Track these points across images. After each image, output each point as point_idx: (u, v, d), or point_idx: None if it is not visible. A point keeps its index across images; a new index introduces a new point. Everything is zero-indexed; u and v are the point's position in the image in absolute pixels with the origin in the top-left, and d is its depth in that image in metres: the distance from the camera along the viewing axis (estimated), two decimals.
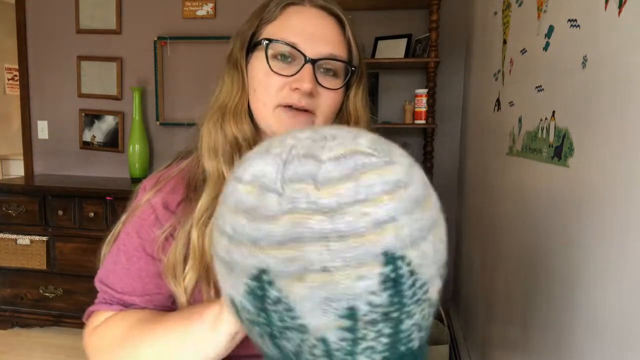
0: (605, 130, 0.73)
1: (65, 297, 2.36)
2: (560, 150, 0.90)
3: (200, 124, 0.70)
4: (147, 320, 0.61)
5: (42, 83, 2.80)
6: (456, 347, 2.13)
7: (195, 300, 0.63)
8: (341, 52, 0.66)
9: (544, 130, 1.01)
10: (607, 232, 0.72)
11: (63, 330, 2.41)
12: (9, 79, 4.69)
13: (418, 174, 0.38)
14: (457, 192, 2.49)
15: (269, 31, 0.65)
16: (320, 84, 0.64)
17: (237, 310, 0.38)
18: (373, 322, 0.33)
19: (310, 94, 0.63)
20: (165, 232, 0.64)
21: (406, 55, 2.32)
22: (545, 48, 1.04)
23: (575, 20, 0.86)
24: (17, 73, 3.49)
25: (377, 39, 2.40)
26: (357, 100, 0.71)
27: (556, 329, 0.92)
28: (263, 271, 0.33)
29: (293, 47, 0.62)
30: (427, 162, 2.33)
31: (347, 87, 0.70)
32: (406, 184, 0.35)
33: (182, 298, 0.63)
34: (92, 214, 2.29)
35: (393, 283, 0.33)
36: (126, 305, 0.65)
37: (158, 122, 2.68)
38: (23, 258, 2.36)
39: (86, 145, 2.80)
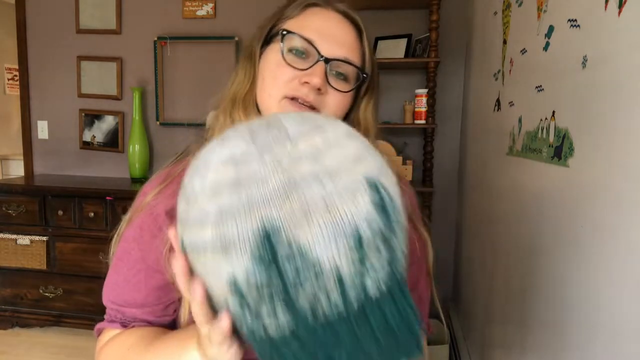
0: (605, 130, 0.73)
1: (65, 297, 2.36)
2: (560, 150, 0.90)
3: (213, 114, 0.70)
4: (143, 346, 0.61)
5: (42, 83, 2.80)
6: (456, 347, 2.13)
7: None
8: (355, 58, 0.66)
9: (544, 130, 1.01)
10: (606, 232, 0.72)
11: (63, 330, 2.41)
12: (9, 79, 4.69)
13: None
14: (457, 192, 2.50)
15: (288, 26, 0.66)
16: (330, 84, 0.64)
17: (241, 294, 0.37)
18: (376, 248, 0.36)
19: (319, 91, 0.63)
20: (168, 244, 0.63)
21: (406, 55, 2.32)
22: (545, 48, 1.04)
23: (575, 20, 0.86)
24: (17, 73, 3.49)
25: (377, 39, 2.40)
26: (368, 111, 0.71)
27: (555, 328, 0.92)
28: (269, 229, 0.35)
29: (309, 42, 0.63)
30: (427, 162, 2.33)
31: (357, 94, 0.70)
32: (355, 135, 0.42)
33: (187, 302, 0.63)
34: (92, 214, 2.29)
35: (382, 207, 0.37)
36: (127, 319, 0.66)
37: (158, 122, 2.68)
38: (23, 258, 2.36)
39: (86, 145, 2.80)
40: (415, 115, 2.28)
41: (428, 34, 2.23)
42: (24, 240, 2.35)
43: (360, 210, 0.36)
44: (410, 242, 0.71)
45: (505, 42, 1.46)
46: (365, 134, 0.70)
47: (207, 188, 0.37)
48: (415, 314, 0.38)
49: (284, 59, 0.63)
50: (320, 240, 0.34)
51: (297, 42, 0.64)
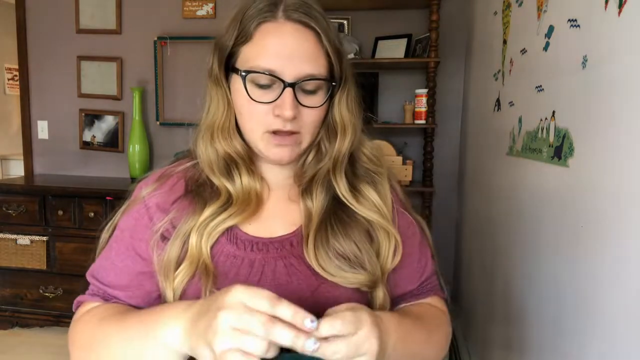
0: (605, 130, 0.73)
1: (65, 297, 2.36)
2: (560, 150, 0.90)
3: (193, 142, 0.71)
4: (115, 320, 0.62)
5: (42, 83, 2.80)
6: (456, 347, 2.13)
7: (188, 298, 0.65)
8: (320, 69, 0.64)
9: (544, 130, 1.01)
10: (606, 232, 0.72)
11: (63, 330, 2.40)
12: (9, 79, 4.69)
13: None
14: (457, 192, 2.50)
15: (245, 55, 0.64)
16: (301, 104, 0.64)
17: None
18: None
19: (293, 118, 0.63)
20: (160, 231, 0.67)
21: (406, 55, 2.32)
22: (545, 48, 1.04)
23: (575, 20, 0.86)
24: (17, 73, 3.49)
25: (377, 39, 2.40)
26: (342, 107, 0.69)
27: (554, 328, 0.92)
28: None
29: (271, 74, 0.62)
30: (427, 162, 2.33)
31: (330, 97, 0.68)
32: None
33: (170, 299, 0.65)
34: (92, 214, 2.29)
35: None
36: (108, 298, 0.69)
37: (158, 122, 2.68)
38: (23, 258, 2.36)
39: (86, 145, 2.79)
40: (415, 115, 2.28)
41: (428, 34, 2.23)
42: (24, 240, 2.35)
43: None
44: (410, 226, 0.72)
45: (505, 42, 1.46)
46: (343, 130, 0.69)
47: None
48: None
49: (251, 97, 0.63)
50: None
51: (258, 78, 0.63)
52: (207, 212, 0.65)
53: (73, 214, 2.32)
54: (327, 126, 0.70)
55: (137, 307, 0.68)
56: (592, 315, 0.76)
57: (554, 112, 0.96)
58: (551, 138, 0.96)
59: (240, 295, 0.48)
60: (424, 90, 2.24)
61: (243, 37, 0.64)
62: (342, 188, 0.69)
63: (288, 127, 0.63)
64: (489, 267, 1.61)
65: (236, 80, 0.66)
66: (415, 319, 0.67)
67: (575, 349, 0.82)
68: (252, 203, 0.68)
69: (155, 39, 2.61)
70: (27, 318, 2.42)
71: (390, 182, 0.74)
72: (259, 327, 0.45)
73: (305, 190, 0.70)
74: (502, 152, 1.43)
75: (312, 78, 0.63)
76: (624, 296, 0.66)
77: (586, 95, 0.80)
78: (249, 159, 0.70)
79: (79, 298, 0.72)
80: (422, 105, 2.25)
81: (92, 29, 2.70)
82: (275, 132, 0.64)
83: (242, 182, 0.68)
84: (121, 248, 0.70)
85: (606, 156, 0.72)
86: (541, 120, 1.04)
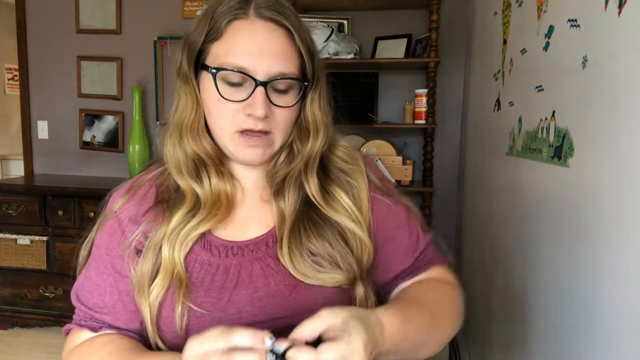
0: (606, 131, 0.73)
1: (65, 297, 2.36)
2: (560, 150, 0.90)
3: (161, 141, 0.70)
4: None
5: (42, 83, 2.80)
6: (456, 347, 2.13)
7: (163, 319, 0.64)
8: (292, 68, 0.63)
9: (544, 130, 1.01)
10: (606, 232, 0.72)
11: None
12: (9, 79, 4.69)
13: None
14: (457, 192, 2.49)
15: (215, 52, 0.63)
16: (273, 104, 0.63)
17: None
18: None
19: (265, 117, 0.62)
20: (132, 244, 0.65)
21: (406, 55, 2.31)
22: (545, 48, 1.04)
23: (575, 20, 0.86)
24: (17, 73, 3.49)
25: (377, 39, 2.40)
26: (314, 107, 0.69)
27: (554, 328, 0.92)
28: None
29: (242, 72, 0.61)
30: (427, 162, 2.33)
31: (302, 97, 0.68)
32: None
33: (147, 316, 0.63)
34: (92, 214, 2.29)
35: None
36: (96, 323, 0.66)
37: (158, 122, 2.68)
38: (23, 258, 2.36)
39: (86, 145, 2.79)
40: (415, 115, 2.28)
41: (428, 34, 2.23)
42: (24, 240, 2.35)
43: None
44: (391, 209, 0.71)
45: (505, 42, 1.46)
46: (316, 130, 0.68)
47: None
48: None
49: (222, 95, 0.62)
50: None
51: (229, 76, 0.62)
52: (175, 219, 0.64)
53: (73, 214, 2.32)
54: (299, 126, 0.69)
55: (125, 330, 0.67)
56: (592, 315, 0.76)
57: (554, 112, 0.96)
58: (551, 138, 0.96)
59: (192, 347, 0.48)
60: (424, 90, 2.24)
61: (213, 34, 0.63)
62: (312, 188, 0.68)
63: (259, 126, 0.62)
64: (488, 266, 1.61)
65: (206, 78, 0.64)
66: (418, 305, 0.66)
67: (576, 349, 0.82)
68: (222, 207, 0.66)
69: (155, 39, 2.61)
70: (27, 318, 2.42)
71: (367, 174, 0.72)
72: None
73: (277, 191, 0.69)
74: (502, 152, 1.43)
75: (284, 77, 0.62)
76: (624, 296, 0.66)
77: (586, 95, 0.80)
78: (219, 160, 0.68)
79: (67, 326, 0.70)
80: (422, 105, 2.25)
81: (92, 29, 2.70)
82: (245, 132, 0.63)
83: (210, 184, 0.66)
84: (100, 267, 0.67)
85: (606, 156, 0.72)
86: (541, 120, 1.04)
